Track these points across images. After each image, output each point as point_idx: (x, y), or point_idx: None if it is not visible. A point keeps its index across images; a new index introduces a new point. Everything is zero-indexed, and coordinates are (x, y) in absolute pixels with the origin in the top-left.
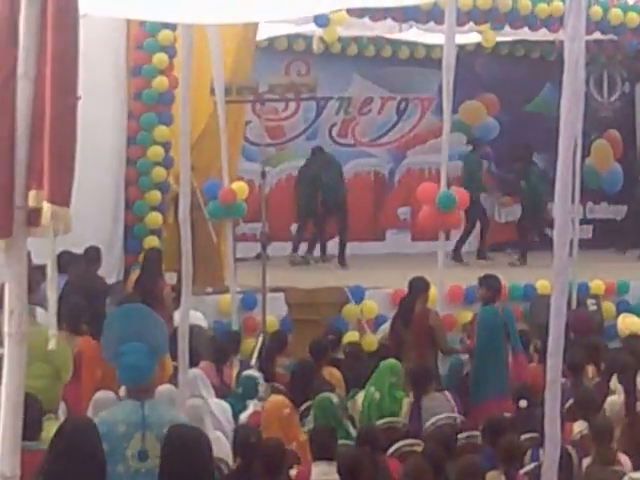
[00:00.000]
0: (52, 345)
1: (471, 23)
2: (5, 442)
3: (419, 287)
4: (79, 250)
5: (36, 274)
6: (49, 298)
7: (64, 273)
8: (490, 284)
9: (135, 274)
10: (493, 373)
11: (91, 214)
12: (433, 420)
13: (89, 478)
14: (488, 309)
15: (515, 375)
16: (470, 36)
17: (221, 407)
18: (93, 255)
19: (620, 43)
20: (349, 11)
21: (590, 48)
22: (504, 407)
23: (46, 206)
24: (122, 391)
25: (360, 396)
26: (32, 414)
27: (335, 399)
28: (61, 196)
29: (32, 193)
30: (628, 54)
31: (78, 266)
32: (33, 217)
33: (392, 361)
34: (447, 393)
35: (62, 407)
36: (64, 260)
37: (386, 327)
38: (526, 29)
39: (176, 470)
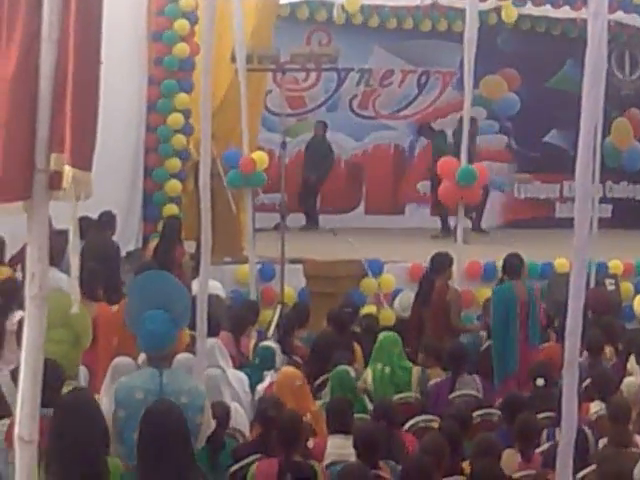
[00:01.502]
0: (75, 309)
1: None
2: (24, 406)
3: (440, 263)
4: (95, 216)
5: (58, 239)
6: (72, 263)
7: (82, 239)
8: (510, 262)
9: (154, 242)
10: (505, 351)
11: (109, 180)
12: (451, 396)
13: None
14: (502, 287)
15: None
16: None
17: (238, 377)
18: (107, 220)
19: None
20: None
21: (612, 27)
22: (513, 386)
23: (67, 169)
24: (140, 358)
25: (367, 373)
26: (52, 380)
27: (352, 372)
28: (83, 160)
29: (54, 156)
30: None
31: (93, 231)
32: (55, 181)
33: (390, 334)
34: (476, 377)
35: (83, 373)
36: (83, 225)
37: (401, 298)
38: (548, 6)
39: (151, 446)
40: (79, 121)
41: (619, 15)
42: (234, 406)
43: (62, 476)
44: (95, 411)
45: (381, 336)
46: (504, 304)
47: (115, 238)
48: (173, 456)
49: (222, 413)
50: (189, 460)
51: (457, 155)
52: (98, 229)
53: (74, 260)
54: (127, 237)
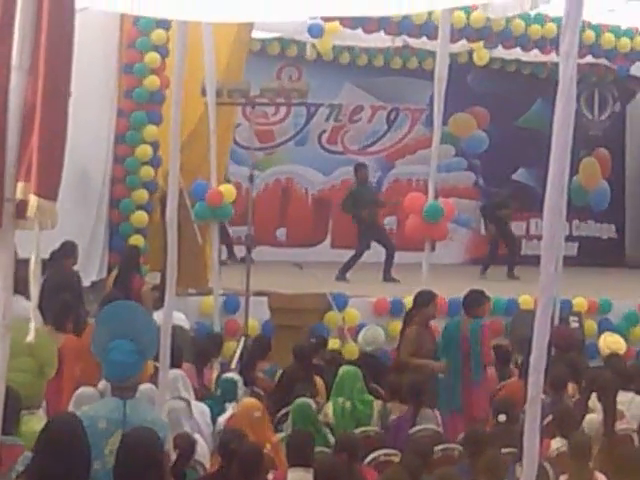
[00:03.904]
0: (31, 338)
1: (464, 40)
2: None
3: (421, 300)
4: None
5: (23, 267)
6: (32, 291)
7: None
8: (466, 297)
9: (115, 272)
10: (449, 387)
11: (74, 210)
12: (411, 431)
13: (75, 474)
14: (450, 323)
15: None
16: (461, 45)
17: (200, 409)
18: (68, 249)
19: (611, 67)
20: (342, 22)
21: (582, 68)
22: (459, 421)
23: (33, 199)
24: (101, 385)
25: (328, 407)
26: (11, 408)
27: (313, 405)
28: (48, 190)
29: (20, 185)
30: (619, 77)
31: (54, 261)
32: (20, 209)
33: (352, 368)
34: (437, 412)
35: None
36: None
37: (365, 332)
38: (518, 49)
39: (127, 472)
40: (46, 151)
41: (589, 59)
42: (196, 438)
43: None
44: (80, 439)
45: (342, 370)
46: (447, 340)
47: (79, 268)
48: None
49: (186, 445)
50: None
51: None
52: (59, 259)
53: (34, 289)
54: (91, 267)
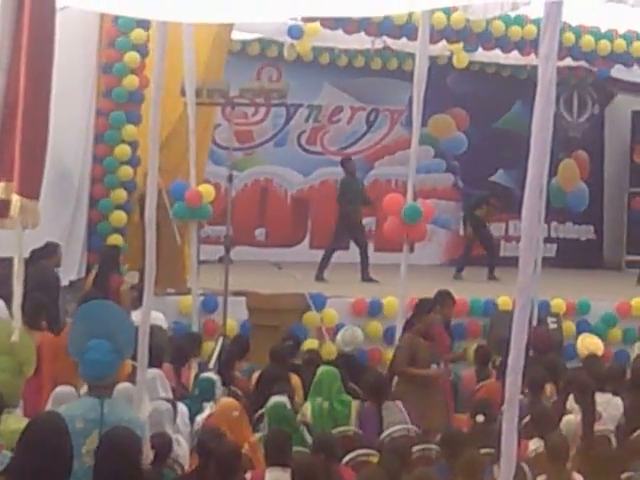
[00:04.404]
0: (15, 337)
1: (444, 41)
2: None
3: (420, 309)
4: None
5: (1, 267)
6: (15, 291)
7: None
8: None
9: (94, 271)
10: None
11: (52, 210)
12: (388, 431)
13: (57, 473)
14: None
15: None
16: (442, 47)
17: (178, 409)
18: (50, 250)
19: (591, 69)
20: (323, 23)
21: (561, 70)
22: None
23: (15, 198)
24: (83, 389)
25: (306, 407)
26: None
27: (288, 404)
28: (31, 189)
29: (1, 185)
30: (598, 79)
31: (34, 260)
32: (1, 209)
33: (330, 368)
34: (399, 402)
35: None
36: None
37: (343, 332)
38: (498, 51)
39: (106, 472)
40: (29, 150)
41: (568, 62)
42: (175, 438)
43: None
44: (63, 438)
45: (320, 370)
46: None
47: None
48: None
49: (162, 444)
50: None
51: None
52: (39, 258)
53: (17, 288)
54: (70, 267)
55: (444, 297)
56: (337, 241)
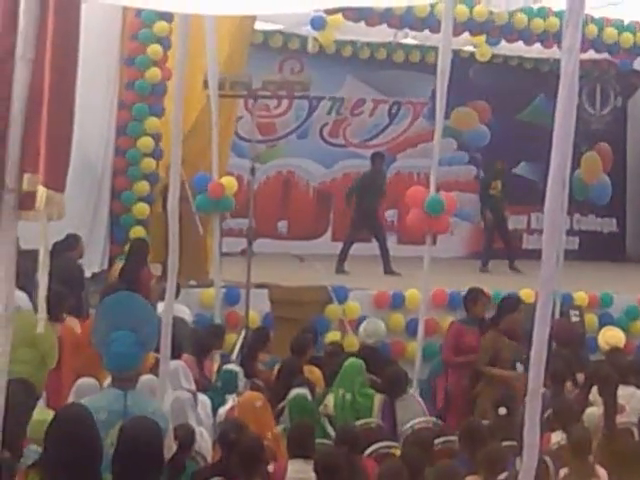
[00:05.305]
0: (40, 329)
1: (466, 34)
2: None
3: (506, 308)
4: (59, 238)
5: (25, 259)
6: (40, 283)
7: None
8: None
9: (120, 264)
10: None
11: (75, 201)
12: (410, 424)
13: (88, 465)
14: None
15: None
16: (464, 40)
17: (201, 401)
18: (72, 242)
19: (613, 62)
20: (345, 15)
21: (584, 63)
22: None
23: (41, 190)
24: (107, 382)
25: (329, 399)
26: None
27: (309, 396)
28: (56, 181)
29: (27, 176)
30: (621, 72)
31: (57, 252)
32: (27, 201)
33: (356, 360)
34: (416, 395)
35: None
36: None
37: (366, 325)
38: (521, 43)
39: (127, 462)
40: (54, 142)
41: (591, 54)
42: (199, 430)
43: None
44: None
45: (346, 362)
46: None
47: (80, 260)
48: (150, 474)
49: (185, 436)
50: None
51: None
52: (62, 250)
53: (43, 280)
54: (93, 258)
55: (479, 295)
56: (355, 233)
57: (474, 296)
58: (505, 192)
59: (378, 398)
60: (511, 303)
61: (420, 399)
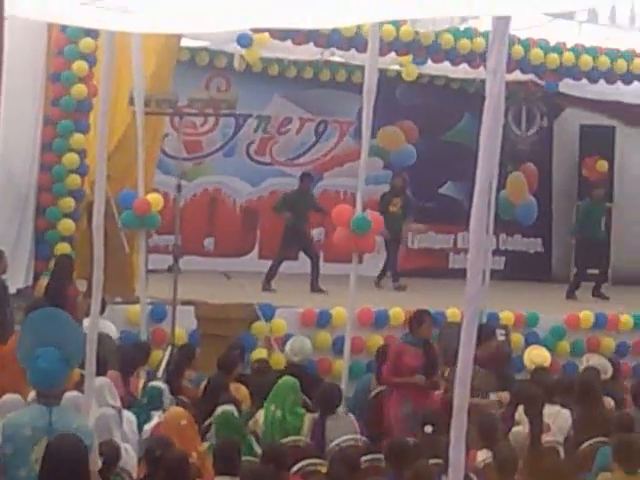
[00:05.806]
0: None
1: (393, 53)
2: None
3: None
4: None
5: None
6: None
7: None
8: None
9: (45, 280)
10: None
11: None
12: (337, 441)
13: None
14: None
15: None
16: (391, 59)
17: (126, 417)
18: None
19: (540, 83)
20: (272, 33)
21: (510, 84)
22: None
23: None
24: (30, 396)
25: (260, 414)
26: None
27: (236, 413)
28: None
29: None
30: (547, 93)
31: None
32: None
33: (290, 379)
34: (351, 415)
35: None
36: None
37: (292, 342)
38: (447, 63)
39: (53, 478)
40: None
41: (517, 75)
42: (124, 446)
43: None
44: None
45: (280, 380)
46: None
47: (4, 276)
48: None
49: (111, 452)
50: None
51: None
52: None
53: None
54: (17, 274)
55: (424, 316)
56: (284, 252)
57: (419, 317)
58: (405, 210)
59: (308, 417)
60: (485, 332)
61: (353, 417)
